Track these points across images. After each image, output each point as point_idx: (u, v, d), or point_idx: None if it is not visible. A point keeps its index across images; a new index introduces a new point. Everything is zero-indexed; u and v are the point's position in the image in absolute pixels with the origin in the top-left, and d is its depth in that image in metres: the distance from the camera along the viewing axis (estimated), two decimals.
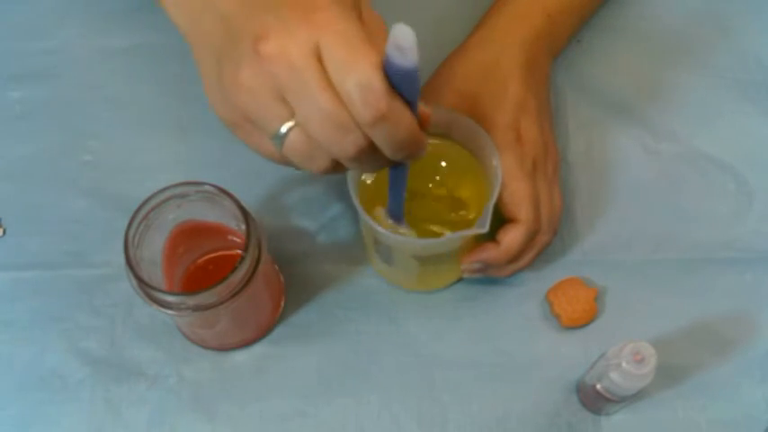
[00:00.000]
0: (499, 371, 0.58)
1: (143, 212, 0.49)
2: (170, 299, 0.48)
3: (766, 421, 0.57)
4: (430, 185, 0.56)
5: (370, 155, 0.41)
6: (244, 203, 0.49)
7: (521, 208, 0.54)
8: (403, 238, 0.51)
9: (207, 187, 0.49)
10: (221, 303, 0.48)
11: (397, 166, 0.45)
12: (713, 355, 0.58)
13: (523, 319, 0.59)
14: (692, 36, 0.68)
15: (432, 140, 0.56)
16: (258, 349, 0.58)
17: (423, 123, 0.41)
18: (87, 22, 0.67)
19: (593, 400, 0.54)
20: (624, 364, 0.49)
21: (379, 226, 0.50)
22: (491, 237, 0.55)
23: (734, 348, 0.58)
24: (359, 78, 0.37)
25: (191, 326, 0.56)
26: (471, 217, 0.55)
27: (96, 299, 0.59)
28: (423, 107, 0.41)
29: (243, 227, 0.48)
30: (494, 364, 0.58)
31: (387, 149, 0.40)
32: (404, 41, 0.35)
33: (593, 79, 0.67)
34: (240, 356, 0.58)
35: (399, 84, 0.38)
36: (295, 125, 0.40)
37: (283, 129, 0.40)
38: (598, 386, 0.52)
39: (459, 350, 0.58)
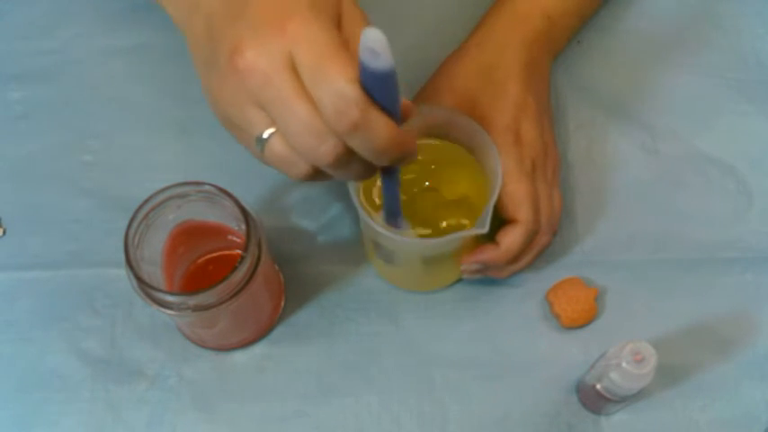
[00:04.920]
0: (499, 371, 0.58)
1: (143, 212, 0.49)
2: (170, 299, 0.48)
3: (766, 421, 0.57)
4: (429, 186, 0.56)
5: (349, 162, 0.41)
6: (244, 203, 0.49)
7: (520, 209, 0.54)
8: (402, 239, 0.51)
9: (207, 187, 0.49)
10: (221, 303, 0.48)
11: (386, 172, 0.45)
12: (713, 355, 0.58)
13: (523, 319, 0.59)
14: (692, 36, 0.68)
15: (431, 141, 0.56)
16: (258, 349, 0.58)
17: (405, 116, 0.41)
18: (87, 22, 0.67)
19: (594, 400, 0.54)
20: (624, 364, 0.49)
21: (379, 226, 0.50)
22: (491, 238, 0.55)
23: (734, 348, 0.59)
24: (331, 87, 0.37)
25: (191, 326, 0.56)
26: (471, 218, 0.55)
27: (96, 299, 0.59)
28: (405, 100, 0.41)
29: (243, 227, 0.48)
30: (494, 364, 0.58)
31: (367, 156, 0.40)
32: (375, 44, 0.35)
33: (593, 79, 0.67)
34: (240, 356, 0.58)
35: (377, 88, 0.38)
36: (275, 131, 0.41)
37: (265, 134, 0.41)
38: (598, 386, 0.52)
39: (459, 350, 0.58)
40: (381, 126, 0.39)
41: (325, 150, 0.40)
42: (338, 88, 0.37)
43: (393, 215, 0.51)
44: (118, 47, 0.67)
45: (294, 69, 0.39)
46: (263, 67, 0.39)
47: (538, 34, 0.60)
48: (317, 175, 0.42)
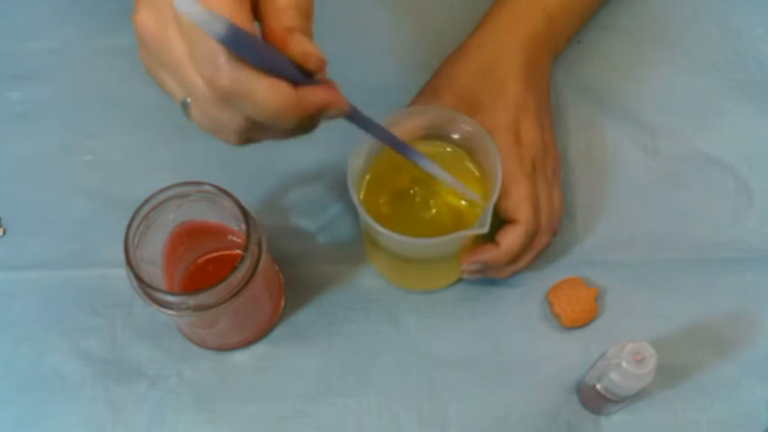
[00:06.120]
0: (499, 371, 0.58)
1: (143, 212, 0.49)
2: (170, 299, 0.48)
3: (766, 421, 0.57)
4: (428, 188, 0.56)
5: (262, 128, 0.37)
6: (244, 203, 0.49)
7: (520, 209, 0.54)
8: (402, 238, 0.51)
9: (207, 187, 0.49)
10: (221, 303, 0.48)
11: (350, 119, 0.42)
12: (713, 355, 0.58)
13: (523, 319, 0.59)
14: (692, 36, 0.68)
15: (430, 142, 0.56)
16: (258, 349, 0.58)
17: (314, 67, 0.37)
18: (87, 22, 0.67)
19: (594, 400, 0.55)
20: (624, 364, 0.49)
21: (380, 226, 0.50)
22: (491, 238, 0.55)
23: (734, 348, 0.58)
24: (205, 48, 0.34)
25: (191, 326, 0.56)
26: (471, 217, 0.55)
27: (96, 299, 0.59)
28: (303, 47, 0.36)
29: (243, 227, 0.48)
30: (494, 364, 0.58)
31: (265, 122, 0.36)
32: (187, 14, 0.31)
33: (593, 79, 0.67)
34: (240, 356, 0.58)
35: (240, 51, 0.34)
36: None
37: (188, 100, 0.38)
38: (598, 386, 0.52)
39: (459, 350, 0.58)
40: (260, 88, 0.34)
41: (228, 121, 0.36)
42: (207, 50, 0.34)
43: (404, 150, 0.47)
44: (118, 47, 0.67)
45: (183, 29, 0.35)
46: (153, 29, 0.36)
47: (538, 34, 0.60)
48: (248, 139, 0.38)
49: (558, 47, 0.64)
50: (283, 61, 0.36)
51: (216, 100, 0.35)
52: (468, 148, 0.56)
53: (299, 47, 0.36)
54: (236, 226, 0.52)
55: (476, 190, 0.55)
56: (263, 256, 0.50)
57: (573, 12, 0.63)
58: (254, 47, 0.34)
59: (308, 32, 0.37)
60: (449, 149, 0.56)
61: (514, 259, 0.56)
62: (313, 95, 0.37)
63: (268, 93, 0.35)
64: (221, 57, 0.34)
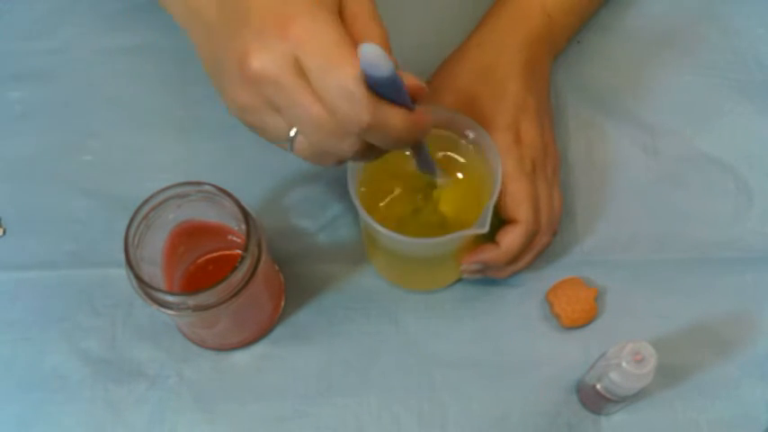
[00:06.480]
0: (499, 371, 0.58)
1: (143, 212, 0.49)
2: (170, 299, 0.48)
3: (766, 421, 0.57)
4: (429, 185, 0.56)
5: (372, 149, 0.42)
6: (244, 203, 0.49)
7: (520, 209, 0.54)
8: (402, 238, 0.51)
9: (207, 187, 0.49)
10: (221, 303, 0.48)
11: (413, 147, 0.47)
12: (713, 355, 0.58)
13: (523, 319, 0.59)
14: (692, 36, 0.68)
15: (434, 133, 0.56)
16: (258, 349, 0.58)
17: (417, 98, 0.42)
18: (87, 21, 0.68)
19: (594, 400, 0.55)
20: (624, 364, 0.49)
21: (380, 226, 0.50)
22: (491, 238, 0.55)
23: (734, 348, 0.59)
24: (339, 87, 0.38)
25: (191, 326, 0.56)
26: (471, 218, 0.55)
27: (96, 299, 0.59)
28: (417, 82, 0.42)
29: (243, 227, 0.48)
30: (494, 364, 0.58)
31: (385, 146, 0.42)
32: (373, 59, 0.36)
33: (593, 79, 0.67)
34: (240, 356, 0.58)
35: (382, 88, 0.39)
36: (298, 132, 0.42)
37: (291, 133, 0.42)
38: (598, 386, 0.52)
39: (459, 350, 0.58)
40: (394, 119, 0.40)
41: (346, 147, 0.41)
42: (347, 88, 0.38)
43: (428, 166, 0.51)
44: (118, 47, 0.67)
45: (302, 72, 0.39)
46: (272, 74, 0.39)
47: (538, 34, 0.60)
48: (347, 161, 0.44)
49: (558, 47, 0.64)
50: (405, 95, 0.40)
51: (335, 131, 0.40)
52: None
53: (413, 81, 0.42)
54: (236, 226, 0.52)
55: (477, 188, 0.55)
56: (263, 257, 0.50)
57: (573, 12, 0.63)
58: (396, 85, 0.39)
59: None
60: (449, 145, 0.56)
61: (514, 259, 0.56)
62: (422, 119, 0.42)
63: (399, 120, 0.40)
64: (363, 94, 0.38)
